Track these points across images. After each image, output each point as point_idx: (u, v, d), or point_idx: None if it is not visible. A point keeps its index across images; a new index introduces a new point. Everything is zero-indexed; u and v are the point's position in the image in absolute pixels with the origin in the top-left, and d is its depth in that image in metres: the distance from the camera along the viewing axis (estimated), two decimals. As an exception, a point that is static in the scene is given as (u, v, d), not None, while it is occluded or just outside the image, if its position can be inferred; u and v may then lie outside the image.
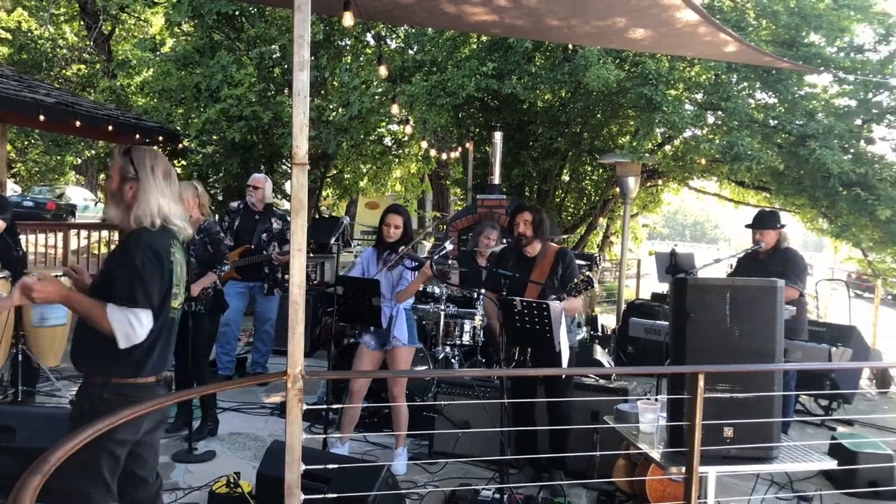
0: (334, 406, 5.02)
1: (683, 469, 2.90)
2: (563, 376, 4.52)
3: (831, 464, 3.46)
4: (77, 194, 22.79)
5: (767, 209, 6.34)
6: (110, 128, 8.96)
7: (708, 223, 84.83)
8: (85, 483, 2.58)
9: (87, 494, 2.60)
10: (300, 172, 2.24)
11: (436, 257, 4.85)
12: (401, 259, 4.63)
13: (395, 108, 7.81)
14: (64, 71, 18.23)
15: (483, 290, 4.96)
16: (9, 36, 17.48)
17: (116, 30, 18.14)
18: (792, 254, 5.64)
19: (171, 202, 2.76)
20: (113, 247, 8.78)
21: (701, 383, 2.79)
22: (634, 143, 9.30)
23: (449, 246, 4.90)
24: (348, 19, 4.15)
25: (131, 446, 2.76)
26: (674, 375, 3.36)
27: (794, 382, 5.50)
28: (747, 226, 5.84)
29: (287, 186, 12.92)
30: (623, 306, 9.19)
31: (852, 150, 9.34)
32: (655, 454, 3.26)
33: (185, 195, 5.02)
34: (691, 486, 2.82)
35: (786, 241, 5.67)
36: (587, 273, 4.32)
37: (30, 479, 1.52)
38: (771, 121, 9.48)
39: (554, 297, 4.23)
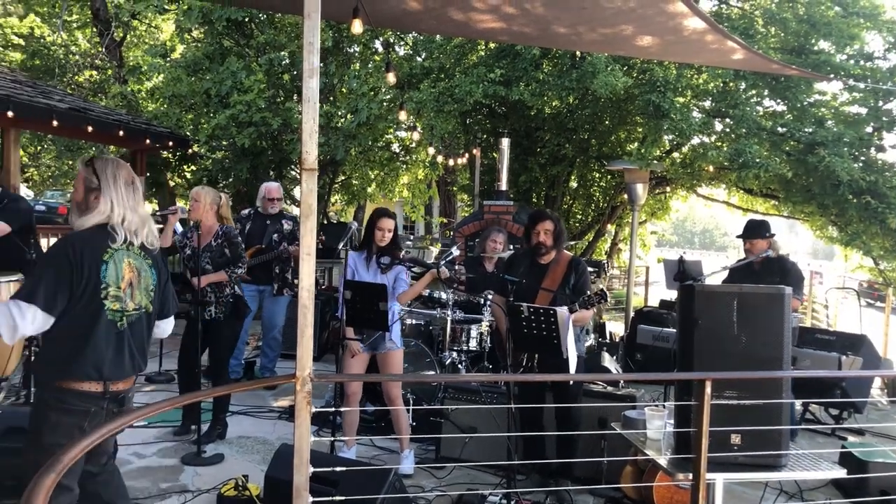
0: (342, 409, 5.03)
1: (691, 476, 2.90)
2: (572, 384, 4.51)
3: (840, 473, 3.45)
4: (88, 199, 22.88)
5: (756, 219, 6.31)
6: (121, 133, 9.04)
7: (717, 231, 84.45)
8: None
9: None
10: (310, 178, 2.26)
11: (443, 263, 4.86)
12: (398, 262, 4.66)
13: (402, 115, 7.84)
14: (76, 77, 18.33)
15: (491, 296, 4.95)
16: (22, 42, 17.60)
17: (128, 36, 18.23)
18: (789, 264, 5.60)
19: (128, 210, 2.78)
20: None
21: (708, 390, 2.79)
22: (642, 150, 9.30)
23: (455, 251, 4.92)
24: (357, 27, 4.19)
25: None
26: (681, 382, 3.37)
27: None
28: (738, 236, 5.80)
29: (296, 192, 12.97)
30: (631, 314, 9.17)
31: (863, 158, 9.32)
32: (663, 461, 3.26)
33: (205, 198, 5.09)
34: (698, 493, 2.82)
35: (776, 249, 5.59)
36: (601, 286, 4.31)
37: (43, 479, 1.54)
38: (779, 128, 9.48)
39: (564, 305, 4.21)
